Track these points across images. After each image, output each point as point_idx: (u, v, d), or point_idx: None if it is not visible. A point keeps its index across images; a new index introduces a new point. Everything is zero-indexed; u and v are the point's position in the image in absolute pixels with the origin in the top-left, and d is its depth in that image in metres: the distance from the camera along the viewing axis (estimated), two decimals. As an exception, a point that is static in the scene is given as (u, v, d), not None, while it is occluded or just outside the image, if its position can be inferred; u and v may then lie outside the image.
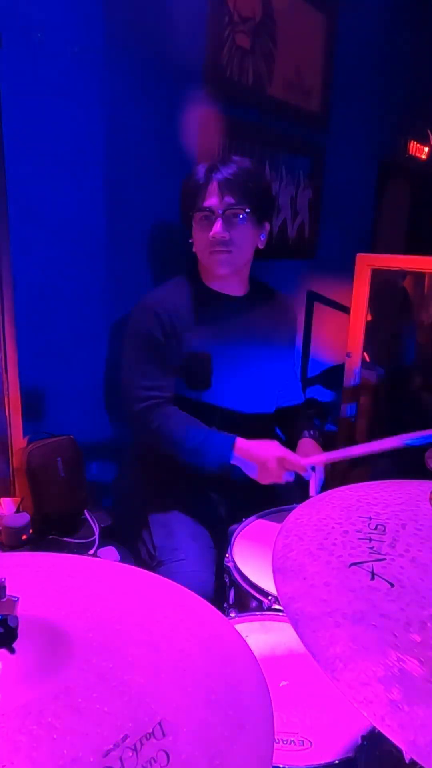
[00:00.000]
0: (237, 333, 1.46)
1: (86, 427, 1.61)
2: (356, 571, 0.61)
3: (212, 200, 1.37)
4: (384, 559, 0.62)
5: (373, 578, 0.59)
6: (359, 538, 0.66)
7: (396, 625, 0.53)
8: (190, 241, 1.45)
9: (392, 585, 0.58)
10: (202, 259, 1.44)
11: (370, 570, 0.60)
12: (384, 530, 0.66)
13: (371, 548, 0.64)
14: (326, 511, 0.74)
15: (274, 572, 0.64)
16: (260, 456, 1.31)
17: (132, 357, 1.43)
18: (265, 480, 1.32)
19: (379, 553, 0.63)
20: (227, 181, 1.37)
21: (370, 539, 0.65)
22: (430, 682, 0.48)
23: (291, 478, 1.32)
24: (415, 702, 0.47)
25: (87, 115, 1.46)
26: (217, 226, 1.36)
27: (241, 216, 1.38)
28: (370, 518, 0.69)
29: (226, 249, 1.39)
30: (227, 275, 1.44)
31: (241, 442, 1.34)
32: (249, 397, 1.45)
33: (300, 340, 2.24)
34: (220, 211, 1.37)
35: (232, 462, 1.33)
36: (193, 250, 1.46)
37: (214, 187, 1.37)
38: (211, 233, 1.37)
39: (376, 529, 0.67)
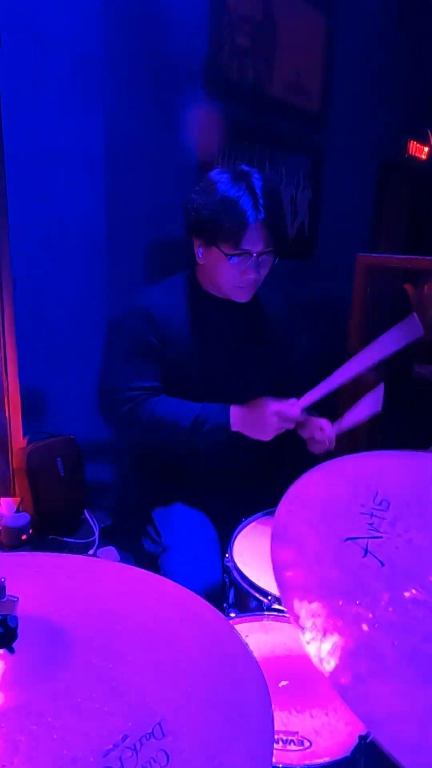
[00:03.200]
0: (230, 336, 1.46)
1: (86, 427, 1.61)
2: (351, 546, 0.61)
3: (254, 244, 1.31)
4: (381, 537, 0.62)
5: (365, 555, 0.59)
6: (361, 513, 0.66)
7: (377, 604, 0.54)
8: (199, 253, 1.38)
9: (383, 564, 0.58)
10: (222, 284, 1.39)
11: (365, 547, 0.60)
12: (388, 506, 0.66)
13: (371, 524, 0.64)
14: (335, 479, 0.73)
15: (272, 538, 0.64)
16: (257, 412, 1.32)
17: (121, 357, 1.41)
18: (268, 435, 1.32)
19: (377, 531, 0.62)
20: (268, 223, 1.32)
21: (372, 515, 0.65)
22: (397, 661, 0.49)
23: (291, 426, 1.33)
24: (378, 677, 0.48)
25: (87, 115, 1.46)
26: (253, 271, 1.33)
27: (271, 257, 1.36)
28: (377, 493, 0.69)
29: (254, 285, 1.38)
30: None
31: (235, 408, 1.34)
32: (241, 401, 1.45)
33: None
34: (256, 254, 1.32)
35: (233, 428, 1.33)
36: (201, 263, 1.40)
37: (256, 229, 1.30)
38: (245, 276, 1.34)
39: (380, 504, 0.66)
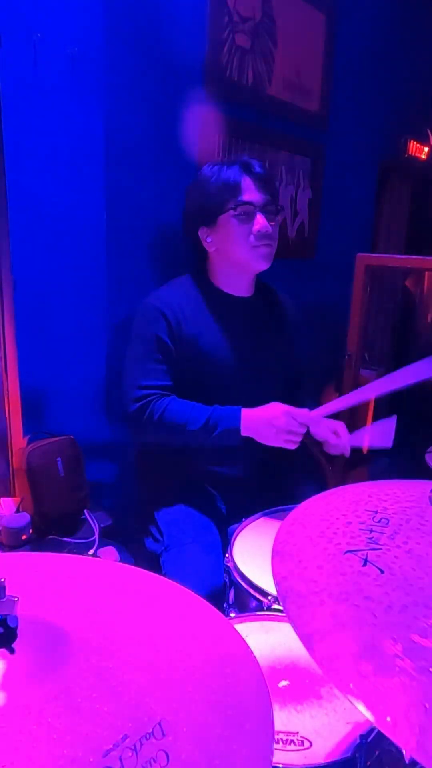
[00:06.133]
0: (243, 334, 1.46)
1: (86, 427, 1.61)
2: (350, 557, 0.63)
3: (252, 195, 1.38)
4: (380, 549, 0.63)
5: (365, 564, 0.61)
6: (360, 529, 0.67)
7: (377, 607, 0.55)
8: (208, 240, 1.42)
9: (382, 572, 0.59)
10: (239, 254, 1.42)
11: (364, 557, 0.61)
12: (387, 523, 0.67)
13: (370, 538, 0.65)
14: (336, 503, 0.75)
15: (272, 554, 0.66)
16: (267, 415, 1.32)
17: (133, 356, 1.42)
18: (277, 441, 1.32)
19: (376, 543, 0.64)
20: (261, 176, 1.40)
21: (371, 530, 0.67)
22: (400, 658, 0.50)
23: (298, 441, 1.33)
24: (382, 674, 0.49)
25: (87, 115, 1.46)
26: (261, 219, 1.38)
27: (275, 211, 1.42)
28: (376, 512, 0.70)
29: (269, 243, 1.41)
30: (265, 270, 1.46)
31: (246, 411, 1.35)
32: (254, 398, 1.45)
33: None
34: (260, 206, 1.38)
35: (243, 434, 1.33)
36: (211, 250, 1.44)
37: (249, 182, 1.38)
38: (256, 228, 1.38)
39: (379, 522, 0.68)
